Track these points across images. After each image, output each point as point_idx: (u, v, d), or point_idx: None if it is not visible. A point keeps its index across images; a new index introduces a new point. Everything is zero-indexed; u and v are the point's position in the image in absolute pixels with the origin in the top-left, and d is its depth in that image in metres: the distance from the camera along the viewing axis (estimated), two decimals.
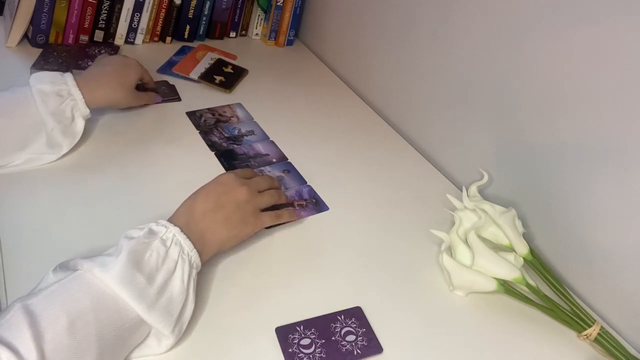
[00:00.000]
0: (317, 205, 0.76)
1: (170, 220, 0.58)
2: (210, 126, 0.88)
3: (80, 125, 0.75)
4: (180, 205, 0.61)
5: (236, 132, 0.89)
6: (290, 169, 0.82)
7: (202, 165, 0.80)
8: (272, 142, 0.88)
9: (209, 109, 0.93)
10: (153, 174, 0.76)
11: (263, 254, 0.67)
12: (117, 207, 0.70)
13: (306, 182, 0.80)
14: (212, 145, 0.84)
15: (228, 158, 0.82)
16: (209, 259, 0.60)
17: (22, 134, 0.70)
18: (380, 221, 0.75)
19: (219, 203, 0.61)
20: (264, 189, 0.69)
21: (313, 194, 0.78)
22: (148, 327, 0.52)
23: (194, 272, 0.56)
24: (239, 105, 0.96)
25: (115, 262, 0.50)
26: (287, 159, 0.84)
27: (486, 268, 0.63)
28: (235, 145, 0.85)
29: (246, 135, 0.88)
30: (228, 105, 0.95)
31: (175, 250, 0.54)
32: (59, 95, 0.72)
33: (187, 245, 0.56)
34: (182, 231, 0.56)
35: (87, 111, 0.75)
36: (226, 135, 0.87)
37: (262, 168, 0.81)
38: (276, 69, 1.12)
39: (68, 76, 0.75)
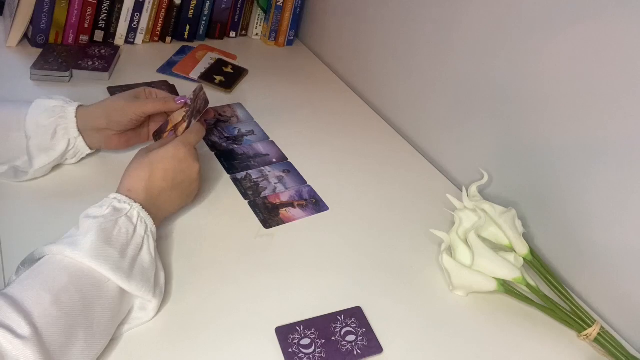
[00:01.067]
0: (317, 205, 0.76)
1: (128, 194, 0.59)
2: (210, 126, 0.88)
3: (61, 145, 0.70)
4: (134, 173, 0.62)
5: (236, 132, 0.89)
6: (290, 169, 0.82)
7: (202, 166, 0.79)
8: (272, 142, 0.88)
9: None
10: None
11: (263, 254, 0.67)
12: None
13: (306, 182, 0.80)
14: (212, 146, 0.84)
15: (228, 158, 0.82)
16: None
17: (5, 148, 0.68)
18: (380, 221, 0.75)
19: (176, 181, 0.64)
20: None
21: (313, 194, 0.78)
22: (130, 298, 0.54)
23: (155, 243, 0.59)
24: (239, 105, 0.96)
25: (85, 240, 0.51)
26: (287, 159, 0.84)
27: (486, 268, 0.63)
28: (235, 145, 0.85)
29: (246, 135, 0.88)
30: (228, 105, 0.95)
31: (142, 228, 0.57)
32: (51, 111, 0.69)
33: (150, 222, 0.59)
34: (143, 208, 0.59)
35: (75, 133, 0.70)
36: (226, 135, 0.87)
37: (263, 168, 0.81)
38: (276, 69, 1.12)
39: (71, 103, 0.72)
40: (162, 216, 0.64)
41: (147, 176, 0.62)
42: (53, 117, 0.69)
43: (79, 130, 0.71)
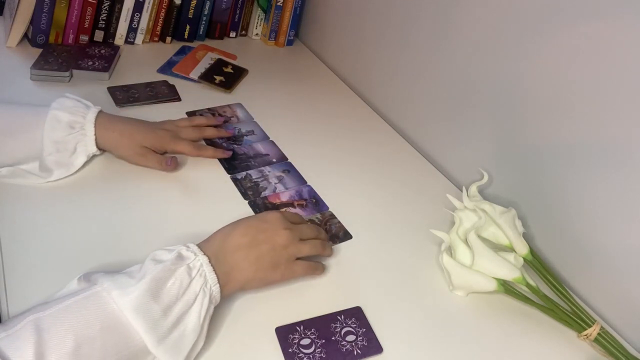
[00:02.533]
0: (317, 205, 0.76)
1: (201, 246, 0.56)
2: (210, 127, 0.88)
3: (80, 160, 0.72)
4: (217, 231, 0.59)
5: (236, 132, 0.89)
6: (290, 169, 0.82)
7: (202, 166, 0.80)
8: (272, 142, 0.88)
9: (209, 108, 0.93)
10: (153, 176, 0.76)
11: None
12: (118, 209, 0.70)
13: (306, 182, 0.80)
14: (212, 145, 0.84)
15: (228, 158, 0.82)
16: (229, 296, 0.58)
17: (19, 154, 0.69)
18: (380, 221, 0.75)
19: (256, 240, 0.58)
20: (308, 238, 0.64)
21: (313, 194, 0.78)
22: (153, 357, 0.51)
23: (212, 307, 0.54)
24: (239, 105, 0.96)
25: (135, 287, 0.49)
26: (287, 159, 0.84)
27: (486, 268, 0.63)
28: (235, 145, 0.85)
29: (246, 135, 0.88)
30: (228, 105, 0.95)
31: (199, 283, 0.52)
32: (71, 126, 0.70)
33: (212, 278, 0.53)
34: (210, 262, 0.54)
35: (94, 149, 0.72)
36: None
37: (263, 168, 0.81)
38: (276, 69, 1.12)
39: (91, 110, 0.73)
40: (236, 280, 0.56)
41: (227, 231, 0.58)
42: (73, 134, 0.70)
43: (97, 145, 0.73)
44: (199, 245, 0.55)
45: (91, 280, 0.51)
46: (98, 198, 0.71)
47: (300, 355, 0.55)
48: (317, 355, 0.56)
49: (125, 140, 0.74)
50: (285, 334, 0.57)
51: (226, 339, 0.56)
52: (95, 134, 0.72)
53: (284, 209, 0.71)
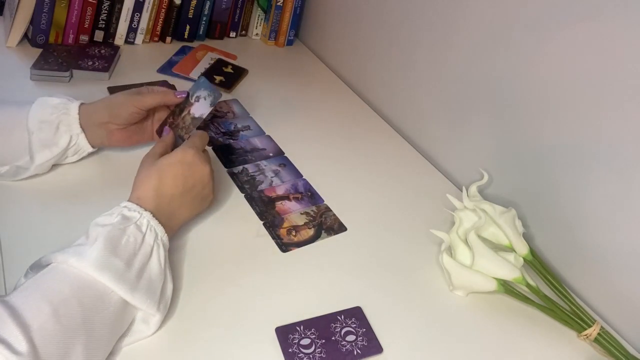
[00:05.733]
0: (312, 198, 0.77)
1: (138, 202, 0.58)
2: (207, 121, 0.88)
3: (64, 139, 0.70)
4: (143, 182, 0.61)
5: (232, 127, 0.89)
6: (286, 163, 0.83)
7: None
8: (269, 137, 0.88)
9: None
10: None
11: (262, 253, 0.67)
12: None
13: (302, 176, 0.80)
14: (208, 140, 0.85)
15: (225, 152, 0.83)
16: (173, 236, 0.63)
17: (10, 149, 0.68)
18: (379, 221, 0.75)
19: (186, 186, 0.62)
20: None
21: (308, 187, 0.78)
22: (133, 310, 0.53)
23: (166, 253, 0.58)
24: (235, 101, 0.96)
25: (91, 250, 0.51)
26: (284, 154, 0.85)
27: (486, 268, 0.63)
28: (231, 140, 0.86)
29: (242, 130, 0.89)
30: (224, 101, 0.96)
31: (151, 237, 0.56)
32: (54, 107, 0.70)
33: (160, 230, 0.58)
34: (154, 216, 0.57)
35: (78, 129, 0.71)
36: (222, 130, 0.88)
37: (259, 162, 0.82)
38: (276, 69, 1.12)
39: (73, 102, 0.72)
40: (176, 224, 0.63)
41: (157, 183, 0.60)
42: (56, 113, 0.69)
43: (81, 126, 0.71)
44: (136, 204, 0.58)
45: (42, 264, 0.51)
46: (97, 198, 0.71)
47: (300, 355, 0.55)
48: (317, 355, 0.56)
49: (114, 94, 0.74)
50: (285, 334, 0.57)
51: (226, 339, 0.56)
52: (78, 114, 0.70)
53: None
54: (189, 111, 0.71)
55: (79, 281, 0.49)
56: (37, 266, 0.52)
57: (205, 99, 0.71)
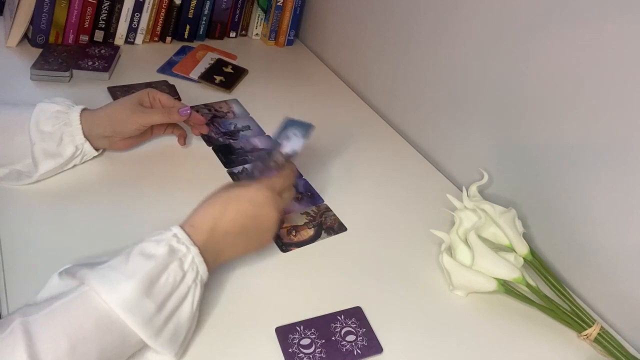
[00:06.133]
0: (312, 198, 0.77)
1: (189, 233, 0.54)
2: (207, 122, 0.88)
3: (69, 150, 0.70)
4: (206, 207, 0.57)
5: (232, 127, 0.89)
6: None
7: (200, 160, 0.80)
8: (269, 137, 0.88)
9: (205, 104, 0.94)
10: (151, 172, 0.76)
11: (262, 253, 0.67)
12: (117, 206, 0.70)
13: (302, 176, 0.81)
14: (208, 141, 0.85)
15: (225, 152, 0.83)
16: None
17: (10, 153, 0.68)
18: (379, 221, 0.75)
19: (246, 227, 0.58)
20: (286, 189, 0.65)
21: (308, 187, 0.78)
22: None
23: (202, 291, 0.54)
24: (235, 101, 0.96)
25: (125, 284, 0.48)
26: None
27: (486, 268, 0.63)
28: (232, 140, 0.86)
29: (242, 130, 0.89)
30: (224, 101, 0.96)
31: (191, 276, 0.52)
32: (55, 117, 0.69)
33: (203, 269, 0.54)
34: (200, 253, 0.53)
35: (82, 139, 0.71)
36: (222, 130, 0.88)
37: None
38: (276, 69, 1.12)
39: (76, 106, 0.72)
40: (222, 261, 0.58)
41: (217, 215, 0.56)
42: (58, 124, 0.69)
43: (85, 136, 0.71)
44: (188, 233, 0.54)
45: (76, 277, 0.49)
46: (97, 198, 0.71)
47: (300, 355, 0.55)
48: (317, 355, 0.56)
49: (116, 106, 0.74)
50: (285, 334, 0.57)
51: (226, 339, 0.56)
52: (81, 123, 0.70)
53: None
54: (279, 151, 0.68)
55: (105, 319, 0.47)
56: (72, 274, 0.50)
57: (295, 135, 0.69)
